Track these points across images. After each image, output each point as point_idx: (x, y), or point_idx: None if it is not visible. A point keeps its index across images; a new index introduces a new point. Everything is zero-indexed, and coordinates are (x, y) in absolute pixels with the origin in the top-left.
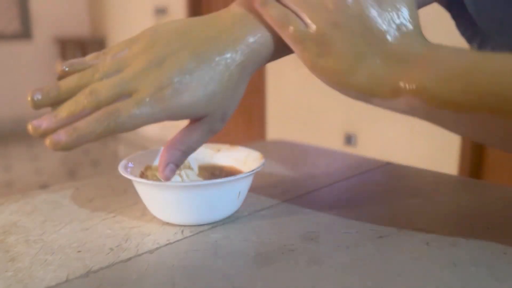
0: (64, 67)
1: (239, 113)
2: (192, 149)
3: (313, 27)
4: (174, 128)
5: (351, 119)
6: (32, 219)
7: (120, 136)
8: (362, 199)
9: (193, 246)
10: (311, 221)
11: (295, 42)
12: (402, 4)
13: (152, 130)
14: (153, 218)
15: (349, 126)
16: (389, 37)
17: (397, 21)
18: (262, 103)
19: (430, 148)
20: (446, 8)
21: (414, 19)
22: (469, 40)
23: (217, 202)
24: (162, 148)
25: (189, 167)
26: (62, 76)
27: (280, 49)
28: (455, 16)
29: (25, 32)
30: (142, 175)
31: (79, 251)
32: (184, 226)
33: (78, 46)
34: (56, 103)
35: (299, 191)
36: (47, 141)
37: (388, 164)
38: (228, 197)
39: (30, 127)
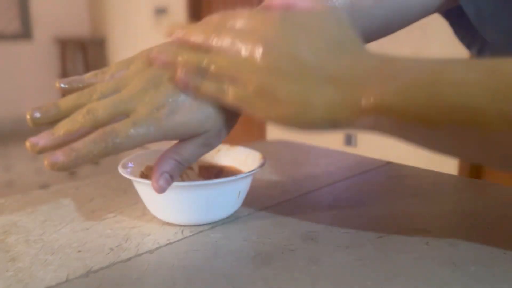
0: (62, 84)
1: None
2: (187, 161)
3: (250, 85)
4: None
5: None
6: (32, 219)
7: None
8: (362, 199)
9: (193, 246)
10: (311, 221)
11: (241, 105)
12: (332, 26)
13: None
14: (153, 218)
15: None
16: (328, 62)
17: (331, 43)
18: None
19: None
20: (444, 15)
21: (351, 35)
22: (468, 46)
23: (217, 202)
24: (162, 148)
25: (189, 167)
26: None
27: None
28: (453, 23)
29: (25, 32)
30: (142, 175)
31: (79, 251)
32: (184, 226)
33: (78, 46)
34: (55, 121)
35: (299, 191)
36: (45, 162)
37: (388, 164)
38: (228, 197)
39: (28, 144)
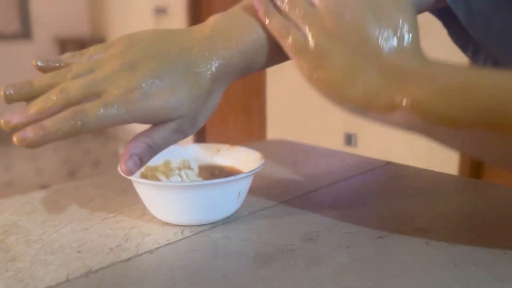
0: (39, 62)
1: (239, 113)
2: (158, 145)
3: (311, 39)
4: None
5: (351, 119)
6: (32, 219)
7: (120, 136)
8: (362, 199)
9: (193, 246)
10: (311, 221)
11: (294, 53)
12: (401, 19)
13: None
14: (153, 218)
15: (349, 126)
16: (386, 51)
17: (395, 36)
18: (262, 103)
19: (430, 148)
20: (437, 16)
21: (413, 33)
22: (463, 48)
23: (217, 202)
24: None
25: (189, 167)
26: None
27: (257, 64)
28: (447, 25)
29: (25, 32)
30: (142, 175)
31: (79, 251)
32: (184, 226)
33: (78, 46)
34: (28, 99)
35: (299, 191)
36: (14, 138)
37: (388, 164)
38: (228, 197)
39: (1, 121)
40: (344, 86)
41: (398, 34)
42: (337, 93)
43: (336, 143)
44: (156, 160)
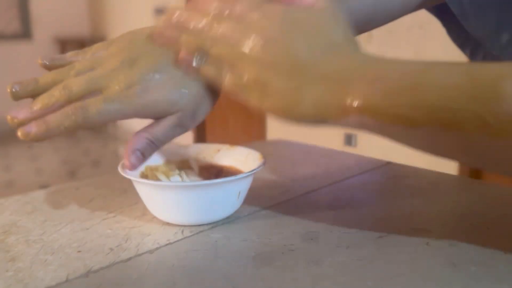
0: (44, 60)
1: (239, 113)
2: (159, 140)
3: (246, 75)
4: None
5: None
6: (32, 219)
7: (120, 136)
8: (362, 199)
9: (193, 246)
10: (311, 221)
11: (237, 92)
12: (324, 24)
13: None
14: (153, 218)
15: None
16: (322, 61)
17: (326, 43)
18: None
19: None
20: (436, 15)
21: (343, 32)
22: (461, 47)
23: (217, 202)
24: (162, 148)
25: (189, 167)
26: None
27: None
28: (445, 23)
29: (25, 32)
30: (142, 175)
31: (79, 251)
32: (184, 226)
33: (78, 46)
34: (33, 96)
35: (299, 191)
36: (19, 132)
37: (388, 164)
38: (228, 197)
39: (8, 117)
40: (293, 107)
41: (326, 38)
42: (290, 114)
43: (336, 143)
44: (156, 160)
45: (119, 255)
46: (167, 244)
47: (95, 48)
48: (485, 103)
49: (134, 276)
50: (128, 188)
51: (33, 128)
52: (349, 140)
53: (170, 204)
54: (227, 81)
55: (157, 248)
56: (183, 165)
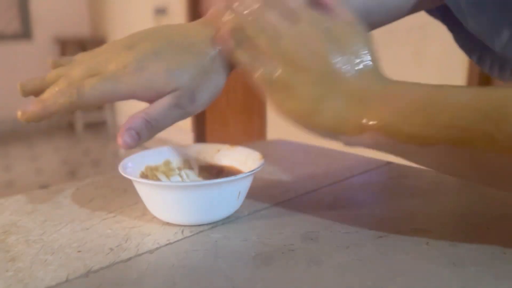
0: (52, 60)
1: (239, 113)
2: (155, 120)
3: (278, 73)
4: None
5: None
6: (32, 219)
7: None
8: (362, 199)
9: (193, 246)
10: (311, 221)
11: (262, 86)
12: (360, 45)
13: None
14: (153, 218)
15: None
16: (349, 78)
17: (356, 61)
18: (262, 103)
19: None
20: (441, 20)
21: (373, 57)
22: (468, 53)
23: (217, 202)
24: (162, 148)
25: (189, 167)
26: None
27: None
28: (451, 28)
29: (25, 32)
30: (142, 175)
31: (79, 251)
32: (184, 226)
33: (78, 46)
34: (41, 90)
35: (299, 191)
36: (19, 114)
37: (388, 164)
38: (228, 197)
39: (19, 113)
40: (312, 115)
41: (360, 59)
42: (307, 121)
43: (336, 143)
44: (156, 160)
45: (119, 255)
46: (167, 244)
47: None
48: (494, 122)
49: (134, 276)
50: (128, 188)
51: (30, 107)
52: None
53: (170, 204)
54: (257, 72)
55: (157, 248)
56: (183, 165)
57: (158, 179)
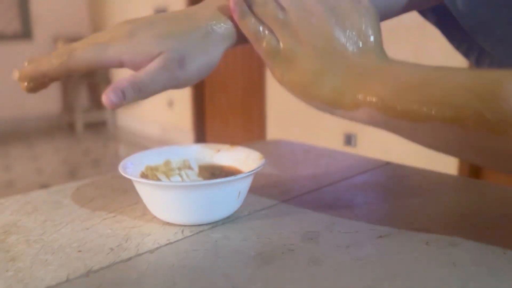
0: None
1: (239, 113)
2: (142, 81)
3: (282, 44)
4: (175, 130)
5: None
6: (33, 219)
7: (120, 136)
8: (362, 199)
9: (193, 246)
10: (311, 221)
11: (267, 56)
12: (363, 22)
13: (152, 130)
14: (153, 218)
15: (349, 126)
16: (350, 53)
17: (359, 38)
18: (262, 103)
19: None
20: (435, 24)
21: (376, 36)
22: (465, 54)
23: (217, 202)
24: (162, 148)
25: (189, 167)
26: None
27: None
28: (445, 31)
29: (25, 32)
30: (142, 175)
31: (79, 251)
32: (184, 226)
33: None
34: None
35: (299, 191)
36: (15, 74)
37: (388, 164)
38: (228, 197)
39: (16, 74)
40: (312, 87)
41: (362, 37)
42: (306, 93)
43: (336, 143)
44: (156, 160)
45: (119, 255)
46: (167, 244)
47: None
48: (486, 102)
49: (134, 276)
50: (128, 188)
51: (26, 68)
52: (349, 140)
53: (170, 204)
54: (262, 42)
55: (157, 248)
56: (183, 165)
57: (158, 179)
